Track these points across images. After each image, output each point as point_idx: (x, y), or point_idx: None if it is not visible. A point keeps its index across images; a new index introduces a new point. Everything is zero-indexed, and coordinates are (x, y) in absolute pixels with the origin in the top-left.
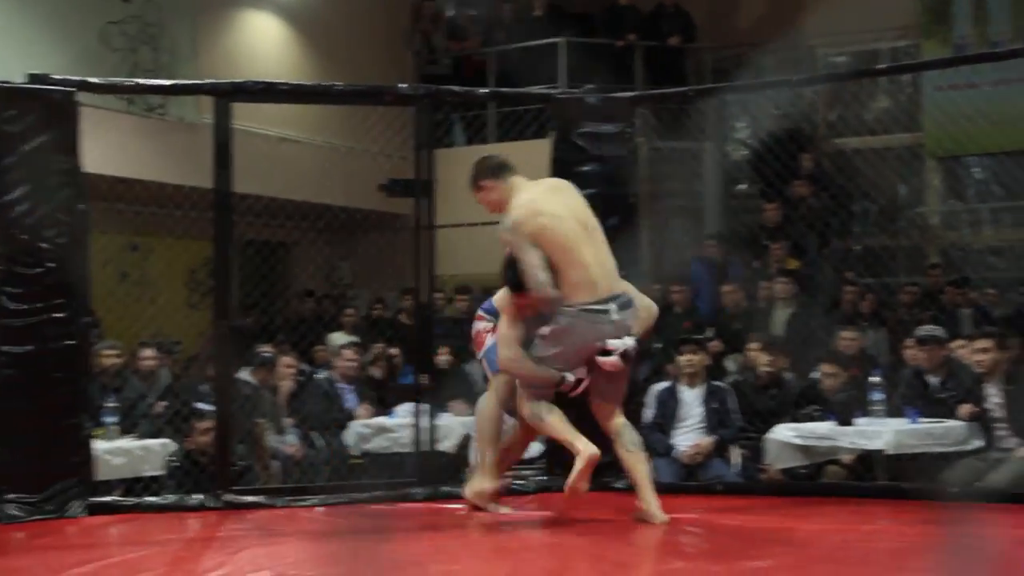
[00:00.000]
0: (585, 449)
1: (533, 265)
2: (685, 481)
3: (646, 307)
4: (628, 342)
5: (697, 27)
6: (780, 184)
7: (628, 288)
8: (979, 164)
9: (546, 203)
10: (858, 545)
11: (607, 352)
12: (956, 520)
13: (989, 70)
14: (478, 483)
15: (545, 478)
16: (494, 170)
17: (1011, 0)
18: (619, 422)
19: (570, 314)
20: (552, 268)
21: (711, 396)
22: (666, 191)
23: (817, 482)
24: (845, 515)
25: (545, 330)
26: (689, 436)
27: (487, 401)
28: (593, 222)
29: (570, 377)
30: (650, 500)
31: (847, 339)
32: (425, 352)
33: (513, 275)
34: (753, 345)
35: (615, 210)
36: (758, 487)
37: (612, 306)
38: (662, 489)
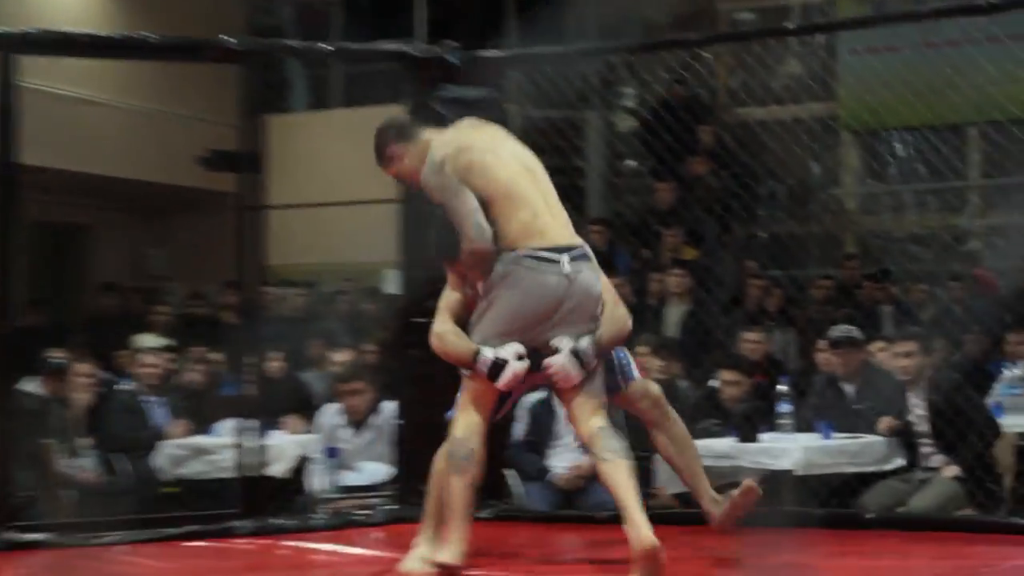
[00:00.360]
0: (452, 555)
1: (469, 210)
2: (561, 510)
3: (618, 317)
4: (583, 343)
5: None
6: (674, 161)
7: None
8: (901, 140)
9: (474, 138)
10: None
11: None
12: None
13: (913, 32)
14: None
15: (396, 507)
16: (400, 132)
17: None
18: (592, 426)
19: (507, 260)
20: (490, 217)
21: None
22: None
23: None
24: (742, 548)
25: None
26: (567, 456)
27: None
28: (536, 165)
29: (487, 353)
30: (639, 522)
31: (751, 341)
32: (252, 358)
33: (444, 237)
34: (642, 348)
35: None
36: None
37: (564, 256)
38: (535, 519)
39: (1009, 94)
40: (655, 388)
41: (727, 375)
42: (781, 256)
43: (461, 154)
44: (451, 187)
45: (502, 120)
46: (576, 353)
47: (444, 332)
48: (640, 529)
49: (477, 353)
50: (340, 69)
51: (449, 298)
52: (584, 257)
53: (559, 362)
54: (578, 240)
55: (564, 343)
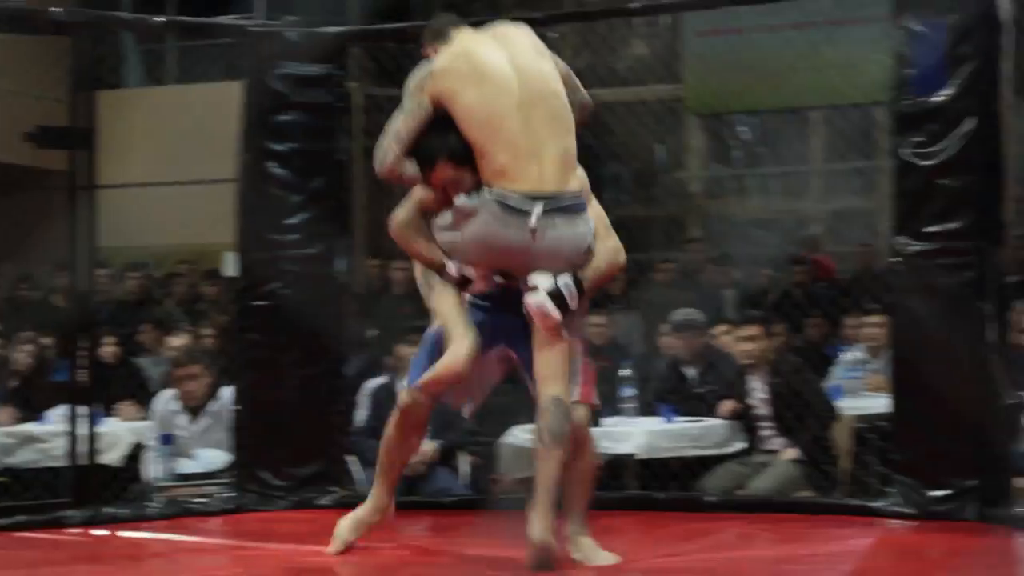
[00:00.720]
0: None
1: (390, 130)
2: (405, 496)
3: (609, 250)
4: (563, 279)
5: None
6: None
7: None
8: (746, 123)
9: (478, 58)
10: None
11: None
12: None
13: (755, 13)
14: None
15: (234, 495)
16: (435, 34)
17: None
18: (547, 397)
19: (480, 198)
20: (475, 149)
21: None
22: None
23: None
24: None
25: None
26: None
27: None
28: (546, 92)
29: (451, 266)
30: (543, 516)
31: (594, 325)
32: (84, 343)
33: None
34: None
35: (321, 168)
36: (490, 501)
37: (536, 207)
38: None
39: (849, 78)
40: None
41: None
42: (625, 239)
43: (441, 78)
44: (407, 105)
45: (341, 98)
46: (554, 292)
47: (407, 223)
48: (542, 523)
49: (443, 265)
50: (175, 45)
51: (423, 191)
52: (563, 209)
53: (535, 300)
54: (566, 187)
55: (542, 281)
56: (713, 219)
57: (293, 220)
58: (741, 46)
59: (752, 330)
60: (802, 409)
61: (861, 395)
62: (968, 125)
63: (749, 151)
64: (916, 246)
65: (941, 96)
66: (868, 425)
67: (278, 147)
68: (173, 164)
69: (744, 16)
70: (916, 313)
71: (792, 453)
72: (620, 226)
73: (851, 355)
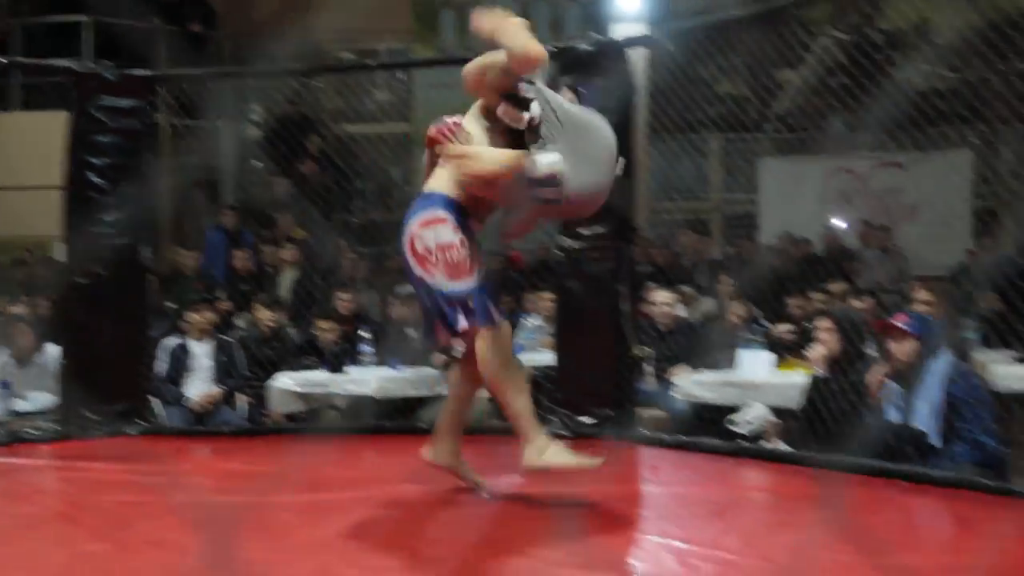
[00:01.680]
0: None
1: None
2: (194, 427)
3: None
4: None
5: (217, 14)
6: (288, 163)
7: None
8: None
9: None
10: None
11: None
12: None
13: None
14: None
15: (60, 428)
16: None
17: None
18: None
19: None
20: None
21: (219, 350)
22: (186, 164)
23: (315, 424)
24: (332, 452)
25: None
26: (199, 387)
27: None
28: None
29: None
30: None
31: (343, 300)
32: None
33: None
34: (259, 305)
35: (131, 179)
36: (262, 430)
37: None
38: (175, 434)
39: None
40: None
41: (323, 324)
42: (368, 237)
43: None
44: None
45: (149, 126)
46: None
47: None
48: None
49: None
50: (18, 79)
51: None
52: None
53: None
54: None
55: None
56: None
57: (109, 218)
58: (455, 97)
59: None
60: None
61: (537, 351)
62: None
63: None
64: (574, 243)
65: None
66: (540, 373)
67: (96, 161)
68: (16, 172)
69: (456, 74)
70: (574, 292)
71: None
72: (366, 228)
73: (531, 322)
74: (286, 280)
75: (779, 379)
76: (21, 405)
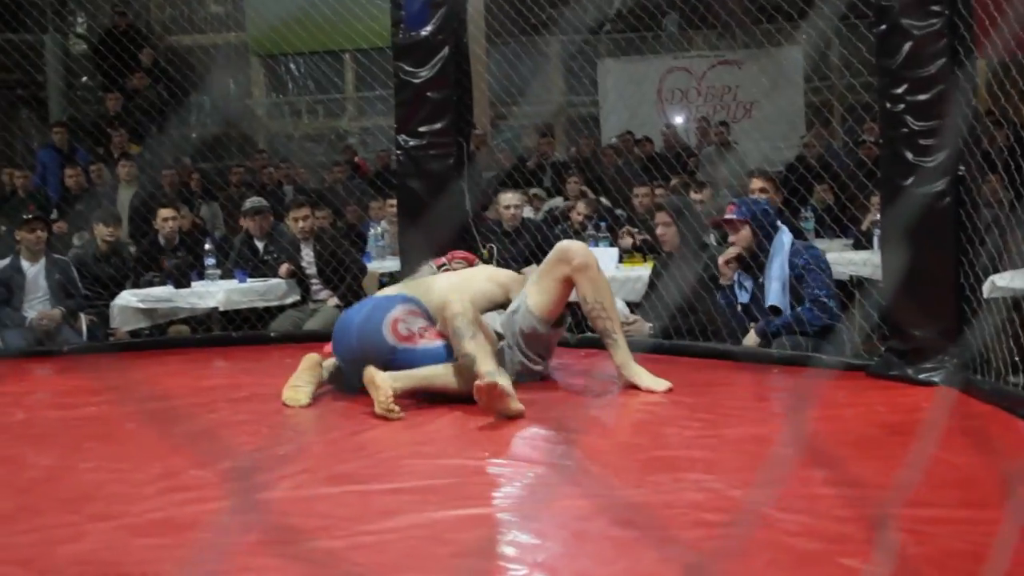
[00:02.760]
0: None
1: None
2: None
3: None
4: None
5: None
6: (119, 77)
7: None
8: (296, 62)
9: None
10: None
11: None
12: None
13: None
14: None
15: None
16: None
17: None
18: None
19: None
20: None
21: (54, 268)
22: (9, 82)
23: (161, 338)
24: (183, 362)
25: None
26: (37, 307)
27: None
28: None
29: None
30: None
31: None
32: None
33: None
34: (95, 221)
35: None
36: (105, 347)
37: None
38: (14, 356)
39: (373, 28)
40: None
41: (164, 212)
42: (209, 152)
43: None
44: None
45: None
46: None
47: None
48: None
49: None
50: None
51: None
52: None
53: None
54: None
55: None
56: (274, 135)
57: None
58: (289, 3)
59: (304, 211)
60: (342, 270)
61: (385, 258)
62: (443, 52)
63: (299, 83)
64: (413, 142)
65: (424, 31)
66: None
67: None
68: None
69: None
70: (415, 191)
71: (335, 300)
72: (203, 143)
73: (378, 230)
74: (123, 198)
75: (624, 274)
76: None
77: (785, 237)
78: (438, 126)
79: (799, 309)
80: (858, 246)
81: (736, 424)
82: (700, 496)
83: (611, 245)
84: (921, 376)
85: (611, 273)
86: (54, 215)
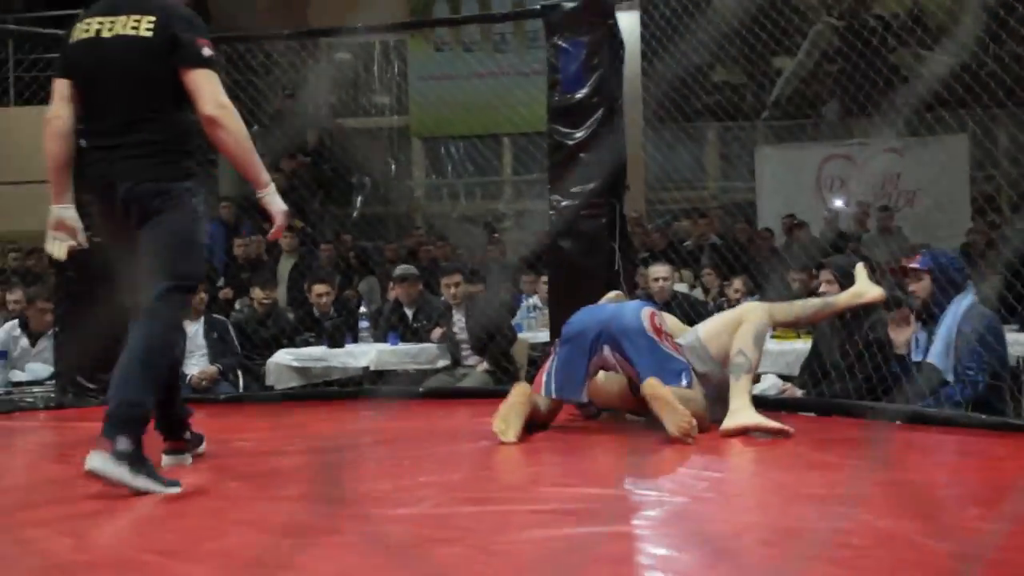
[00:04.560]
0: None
1: None
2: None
3: None
4: None
5: (211, 15)
6: (287, 157)
7: None
8: (455, 145)
9: None
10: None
11: None
12: None
13: (465, 64)
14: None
15: (54, 395)
16: None
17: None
18: None
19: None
20: None
21: (210, 329)
22: None
23: (314, 390)
24: (333, 410)
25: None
26: (196, 366)
27: None
28: None
29: None
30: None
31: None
32: None
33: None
34: (256, 291)
35: None
36: (259, 397)
37: None
38: None
39: (531, 113)
40: None
41: (319, 288)
42: (367, 230)
43: None
44: None
45: None
46: None
47: None
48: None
49: None
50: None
51: None
52: None
53: None
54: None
55: None
56: (433, 215)
57: None
58: (452, 89)
59: (456, 278)
60: (493, 335)
61: (535, 330)
62: (598, 114)
63: (458, 166)
64: (566, 202)
65: (580, 94)
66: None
67: None
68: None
69: (455, 65)
70: (566, 251)
71: (484, 366)
72: (365, 220)
73: (529, 302)
74: (284, 268)
75: (776, 347)
76: (17, 376)
77: (968, 297)
78: (591, 186)
79: (947, 388)
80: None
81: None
82: (847, 525)
83: None
84: None
85: (765, 346)
86: (220, 283)
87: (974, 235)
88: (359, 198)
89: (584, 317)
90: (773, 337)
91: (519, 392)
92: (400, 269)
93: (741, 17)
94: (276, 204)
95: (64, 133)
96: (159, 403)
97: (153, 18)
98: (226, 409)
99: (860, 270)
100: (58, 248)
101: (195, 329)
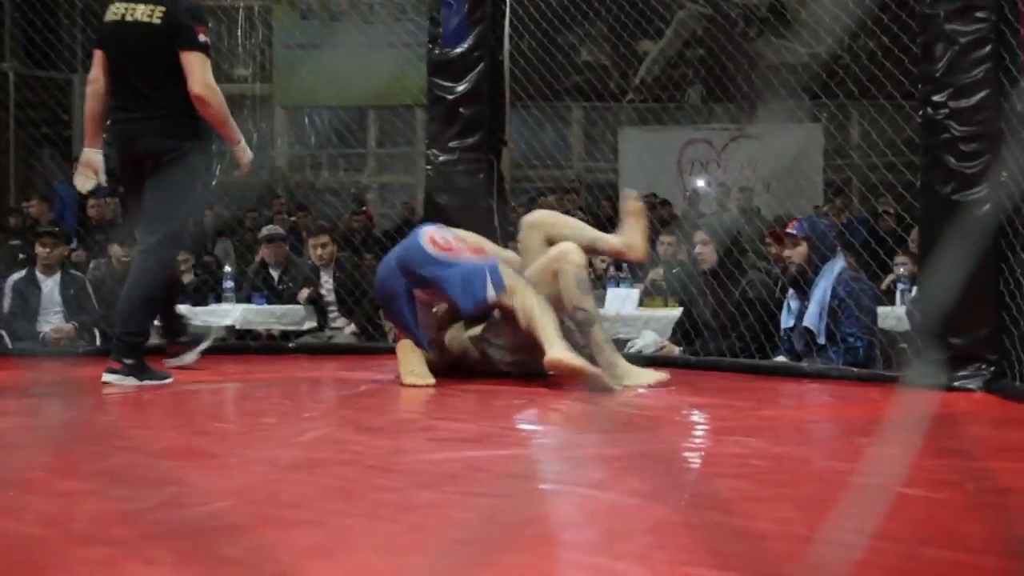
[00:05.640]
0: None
1: None
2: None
3: None
4: None
5: None
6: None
7: None
8: (320, 115)
9: None
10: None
11: None
12: None
13: (330, 34)
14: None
15: None
16: None
17: None
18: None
19: None
20: None
21: (66, 286)
22: (34, 119)
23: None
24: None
25: None
26: (52, 321)
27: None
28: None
29: None
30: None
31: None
32: None
33: None
34: (115, 248)
35: None
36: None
37: None
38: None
39: (398, 86)
40: None
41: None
42: (230, 200)
43: None
44: None
45: None
46: None
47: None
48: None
49: None
50: None
51: None
52: None
53: None
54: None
55: None
56: (295, 186)
57: None
58: (318, 58)
59: (324, 238)
60: (359, 297)
61: None
62: (479, 68)
63: (322, 136)
64: (444, 157)
65: (461, 48)
66: None
67: None
68: None
69: (319, 35)
70: (442, 207)
71: (352, 328)
72: (224, 190)
73: None
74: None
75: (647, 315)
76: None
77: (838, 263)
78: (469, 141)
79: (829, 352)
80: (879, 303)
81: (771, 408)
82: (743, 451)
83: (631, 287)
84: (956, 384)
85: (634, 313)
86: (73, 244)
87: (826, 214)
88: (218, 166)
89: (382, 271)
90: (643, 306)
91: (406, 344)
92: (267, 229)
93: None
94: (246, 154)
95: (100, 93)
96: (161, 315)
97: (164, 8)
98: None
99: (632, 221)
100: (84, 182)
101: (51, 286)
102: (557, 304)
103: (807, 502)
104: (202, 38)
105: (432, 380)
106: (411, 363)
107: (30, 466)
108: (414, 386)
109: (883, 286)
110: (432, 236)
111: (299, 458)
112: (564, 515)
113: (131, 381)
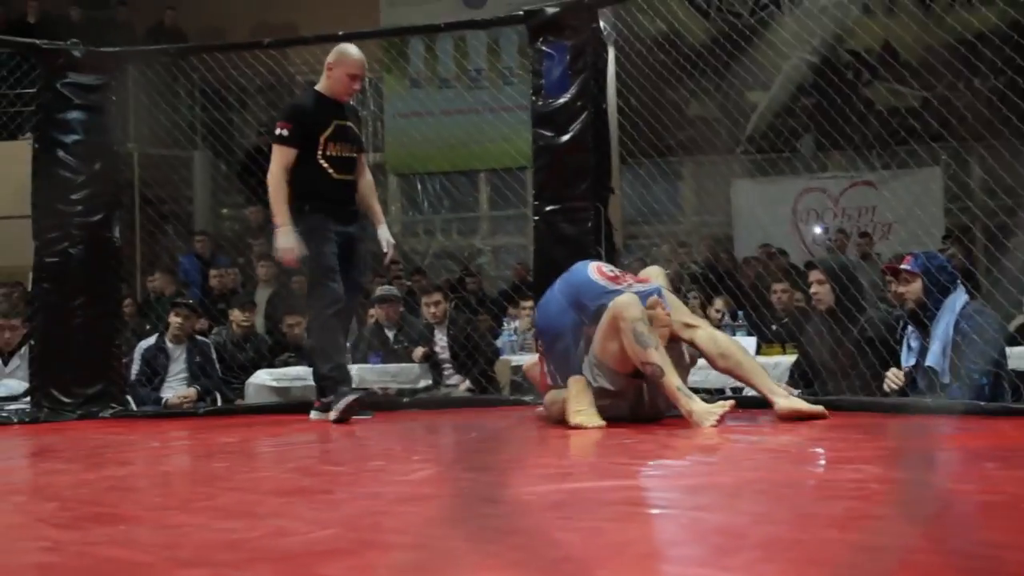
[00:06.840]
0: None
1: None
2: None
3: None
4: None
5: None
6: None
7: None
8: (431, 182)
9: None
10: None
11: None
12: None
13: (439, 101)
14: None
15: (30, 411)
16: None
17: (454, 45)
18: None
19: None
20: None
21: (193, 353)
22: (160, 196)
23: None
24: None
25: None
26: (175, 388)
27: None
28: None
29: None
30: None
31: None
32: None
33: None
34: (235, 313)
35: (99, 156)
36: (235, 409)
37: None
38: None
39: (506, 149)
40: None
41: (291, 319)
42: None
43: None
44: None
45: (118, 103)
46: None
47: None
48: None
49: None
50: None
51: None
52: None
53: None
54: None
55: None
56: (410, 251)
57: (77, 195)
58: (427, 125)
59: (437, 296)
60: (473, 354)
61: (516, 352)
62: (583, 117)
63: (434, 201)
64: (549, 207)
65: (564, 98)
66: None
67: (64, 139)
68: None
69: (429, 103)
70: (552, 256)
71: (466, 384)
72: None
73: (512, 325)
74: (261, 297)
75: (764, 360)
76: None
77: (960, 298)
78: (575, 191)
79: (951, 388)
80: (1012, 343)
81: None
82: (860, 476)
83: (749, 335)
84: None
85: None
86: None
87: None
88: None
89: (549, 309)
90: (760, 353)
91: (579, 381)
92: (381, 290)
93: (713, 51)
94: (279, 239)
95: None
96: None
97: None
98: (212, 422)
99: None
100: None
101: (179, 353)
102: (623, 356)
103: (924, 519)
104: (278, 131)
105: (601, 422)
106: (582, 402)
107: (141, 504)
108: (580, 427)
109: (1011, 327)
110: (599, 268)
111: (405, 493)
112: (670, 534)
113: (323, 417)
